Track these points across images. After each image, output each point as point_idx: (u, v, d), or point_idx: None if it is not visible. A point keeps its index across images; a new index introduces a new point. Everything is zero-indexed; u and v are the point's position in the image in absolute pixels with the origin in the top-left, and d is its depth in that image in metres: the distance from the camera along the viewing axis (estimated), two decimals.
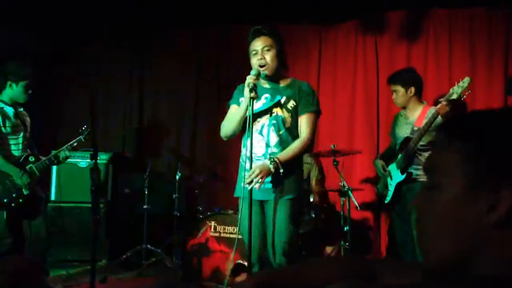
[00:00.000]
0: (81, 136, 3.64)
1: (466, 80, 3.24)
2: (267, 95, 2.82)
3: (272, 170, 2.62)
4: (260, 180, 2.60)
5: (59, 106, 5.80)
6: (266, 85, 2.85)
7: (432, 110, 3.49)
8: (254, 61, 2.78)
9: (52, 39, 5.34)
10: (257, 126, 2.78)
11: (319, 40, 5.06)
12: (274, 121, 2.75)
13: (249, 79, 2.65)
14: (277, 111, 2.76)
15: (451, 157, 0.74)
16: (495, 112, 0.74)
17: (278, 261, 2.70)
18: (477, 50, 4.42)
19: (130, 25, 5.40)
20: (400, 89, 3.61)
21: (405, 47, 4.69)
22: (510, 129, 0.69)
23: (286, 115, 2.75)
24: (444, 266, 0.74)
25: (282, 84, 2.84)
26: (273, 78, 2.83)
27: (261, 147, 2.76)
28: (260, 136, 2.77)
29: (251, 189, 2.60)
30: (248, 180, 2.60)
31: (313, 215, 4.15)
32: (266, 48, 2.77)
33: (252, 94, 2.62)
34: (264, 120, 2.77)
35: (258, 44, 2.78)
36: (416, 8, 4.62)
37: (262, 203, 2.80)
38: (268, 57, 2.76)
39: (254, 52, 2.80)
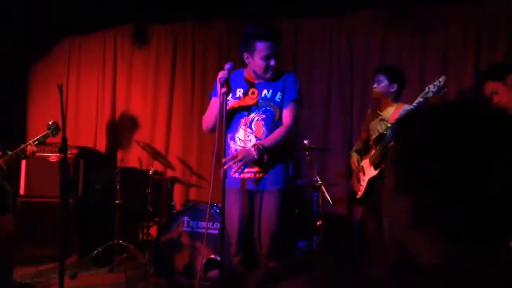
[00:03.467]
0: (48, 131, 3.54)
1: (442, 79, 3.24)
2: (253, 89, 2.86)
3: (256, 156, 2.64)
4: (241, 165, 2.63)
5: (29, 98, 5.68)
6: (254, 80, 2.89)
7: (406, 108, 3.53)
8: (263, 63, 2.81)
9: (22, 30, 5.22)
10: (246, 120, 2.82)
11: (295, 34, 5.06)
12: (264, 116, 2.79)
13: (221, 74, 2.66)
14: (267, 105, 2.81)
15: (390, 154, 0.80)
16: (430, 114, 0.78)
17: (265, 252, 2.73)
18: (449, 45, 4.48)
19: (103, 16, 5.32)
20: (385, 81, 3.63)
21: (379, 42, 4.73)
22: (428, 136, 0.73)
23: (274, 108, 2.81)
24: (396, 249, 0.81)
25: (268, 78, 2.88)
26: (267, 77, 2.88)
27: (251, 141, 2.78)
28: (249, 130, 2.80)
29: (224, 180, 2.61)
30: (230, 164, 2.61)
31: None
32: (274, 55, 2.81)
33: (224, 90, 2.62)
34: (254, 114, 2.80)
35: (270, 49, 2.80)
36: (390, 6, 4.66)
37: (250, 194, 2.82)
38: (275, 62, 2.82)
39: (266, 56, 2.81)
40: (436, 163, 0.70)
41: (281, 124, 2.82)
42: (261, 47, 2.78)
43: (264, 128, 2.78)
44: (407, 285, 0.64)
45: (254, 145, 2.68)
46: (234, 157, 2.64)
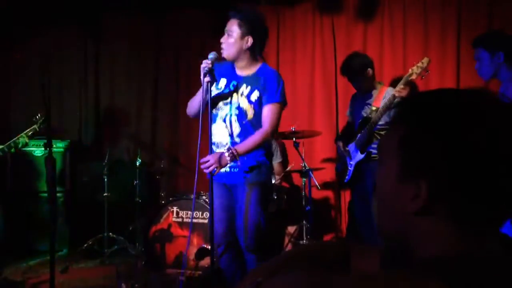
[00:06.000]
0: (35, 126, 3.52)
1: (425, 60, 3.28)
2: (234, 82, 2.79)
3: (229, 162, 2.61)
4: (213, 169, 2.58)
5: (10, 93, 5.59)
6: (239, 72, 2.81)
7: (389, 90, 3.55)
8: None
9: (2, 22, 5.13)
10: (221, 113, 2.77)
11: (277, 22, 5.04)
12: (237, 112, 2.73)
13: (204, 63, 2.61)
14: (240, 101, 2.73)
15: (391, 139, 0.76)
16: (437, 99, 0.75)
17: (246, 244, 2.72)
18: (430, 28, 4.51)
19: (85, 7, 5.24)
20: (362, 75, 3.60)
21: (361, 27, 4.73)
22: (437, 123, 0.70)
23: (247, 106, 2.72)
24: (390, 240, 0.80)
25: (249, 72, 2.79)
26: (239, 63, 2.79)
27: (224, 136, 2.75)
28: (224, 124, 2.76)
29: (211, 175, 2.60)
30: (202, 166, 2.59)
31: (275, 196, 4.20)
32: (229, 32, 2.73)
33: (207, 79, 2.59)
34: (228, 109, 2.75)
35: (227, 26, 2.75)
36: None
37: (230, 186, 2.80)
38: (229, 41, 2.72)
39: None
40: (448, 149, 0.68)
41: (254, 122, 2.73)
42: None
43: (238, 125, 2.73)
44: (400, 281, 0.63)
45: (228, 150, 2.61)
46: (207, 161, 2.57)
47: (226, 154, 2.60)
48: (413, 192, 0.71)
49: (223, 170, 2.71)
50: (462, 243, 0.69)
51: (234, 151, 2.60)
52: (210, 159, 2.57)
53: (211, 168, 2.56)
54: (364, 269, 0.96)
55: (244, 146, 2.66)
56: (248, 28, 2.72)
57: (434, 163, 0.69)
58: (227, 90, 2.79)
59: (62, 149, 4.78)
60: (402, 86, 3.31)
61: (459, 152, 0.67)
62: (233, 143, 2.72)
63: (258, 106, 2.73)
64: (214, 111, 2.79)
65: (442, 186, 0.69)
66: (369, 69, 3.61)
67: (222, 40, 2.76)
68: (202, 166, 2.58)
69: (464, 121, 0.69)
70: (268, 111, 2.72)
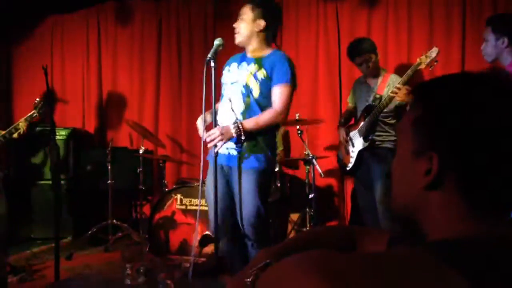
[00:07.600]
0: (35, 110, 3.50)
1: (434, 50, 3.20)
2: (244, 63, 2.80)
3: (234, 134, 2.61)
4: (220, 142, 2.59)
5: (13, 79, 5.60)
6: (249, 54, 2.83)
7: (393, 77, 3.52)
8: None
9: (3, 10, 5.11)
10: (228, 92, 2.78)
11: (281, 8, 5.00)
12: (243, 90, 2.72)
13: (216, 45, 2.63)
14: (247, 79, 2.73)
15: (407, 118, 0.80)
16: (449, 81, 0.78)
17: (245, 231, 2.71)
18: (435, 15, 4.46)
19: None
20: (372, 57, 3.58)
21: (366, 14, 4.69)
22: (448, 102, 0.74)
23: (253, 83, 2.71)
24: (401, 216, 0.83)
25: (260, 55, 2.79)
26: (250, 47, 2.81)
27: (229, 115, 2.73)
28: (230, 103, 2.75)
29: (215, 160, 2.59)
30: (208, 139, 2.59)
31: (279, 184, 4.20)
32: (240, 16, 2.79)
33: (212, 64, 2.59)
34: (234, 87, 2.75)
35: (240, 12, 2.83)
36: None
37: (227, 169, 2.77)
38: (240, 25, 2.79)
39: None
40: (456, 124, 0.71)
41: (260, 101, 2.70)
42: None
43: (242, 103, 2.70)
44: (409, 259, 0.63)
45: (234, 123, 2.61)
46: (213, 133, 2.58)
47: (232, 126, 2.61)
48: (426, 167, 0.74)
49: (222, 151, 2.69)
50: (471, 223, 0.70)
51: (239, 124, 2.61)
52: (217, 131, 2.59)
53: (216, 141, 2.57)
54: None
55: (251, 122, 2.65)
56: (260, 12, 2.77)
57: (443, 136, 0.72)
58: (236, 73, 2.80)
59: (65, 137, 4.79)
60: (399, 87, 3.25)
61: (465, 127, 0.70)
62: (237, 119, 2.71)
63: (264, 85, 2.71)
64: (224, 91, 2.85)
65: (450, 159, 0.71)
66: (376, 52, 3.59)
67: (235, 25, 2.83)
68: (207, 139, 2.59)
69: (474, 101, 0.71)
70: (278, 92, 2.70)
